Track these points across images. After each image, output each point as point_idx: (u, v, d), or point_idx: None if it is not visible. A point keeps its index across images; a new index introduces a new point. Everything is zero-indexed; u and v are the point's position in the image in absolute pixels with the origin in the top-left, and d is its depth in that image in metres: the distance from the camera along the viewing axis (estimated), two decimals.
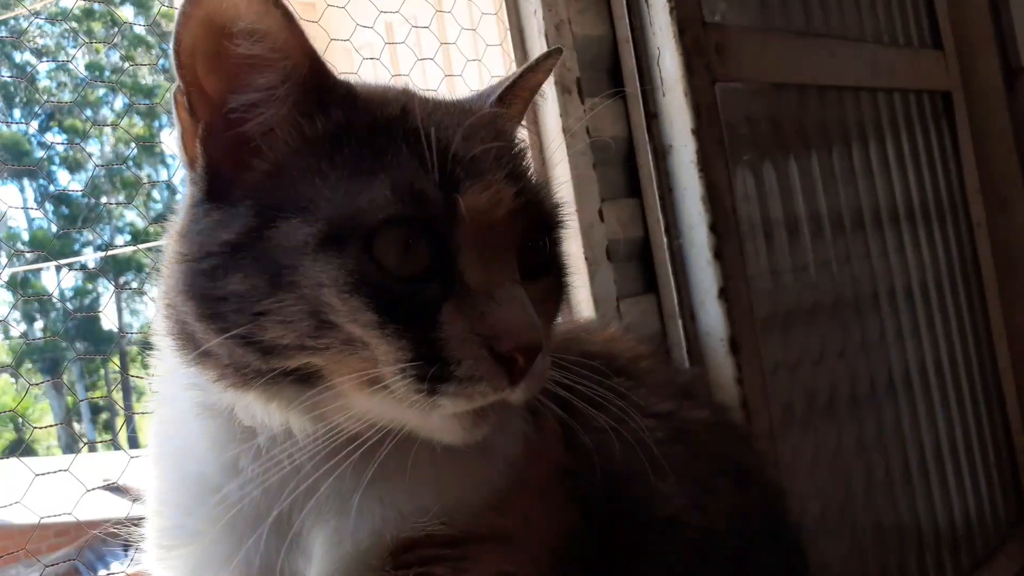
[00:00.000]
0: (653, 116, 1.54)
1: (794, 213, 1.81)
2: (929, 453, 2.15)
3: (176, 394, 0.86)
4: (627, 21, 1.55)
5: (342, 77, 0.83)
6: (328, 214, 0.73)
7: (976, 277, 2.43)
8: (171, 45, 0.73)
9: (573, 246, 1.60)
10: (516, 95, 0.96)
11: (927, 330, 2.21)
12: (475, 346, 0.73)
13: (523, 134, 0.99)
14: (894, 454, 2.02)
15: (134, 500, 1.00)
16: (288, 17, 0.75)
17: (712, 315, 1.49)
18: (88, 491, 1.26)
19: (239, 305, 0.73)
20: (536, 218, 0.82)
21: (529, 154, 0.93)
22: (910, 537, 2.03)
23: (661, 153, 1.54)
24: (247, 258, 0.73)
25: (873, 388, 1.98)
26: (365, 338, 0.73)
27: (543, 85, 1.02)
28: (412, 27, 1.91)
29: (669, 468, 0.99)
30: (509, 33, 1.65)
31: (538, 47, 1.62)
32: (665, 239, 1.53)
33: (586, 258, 1.59)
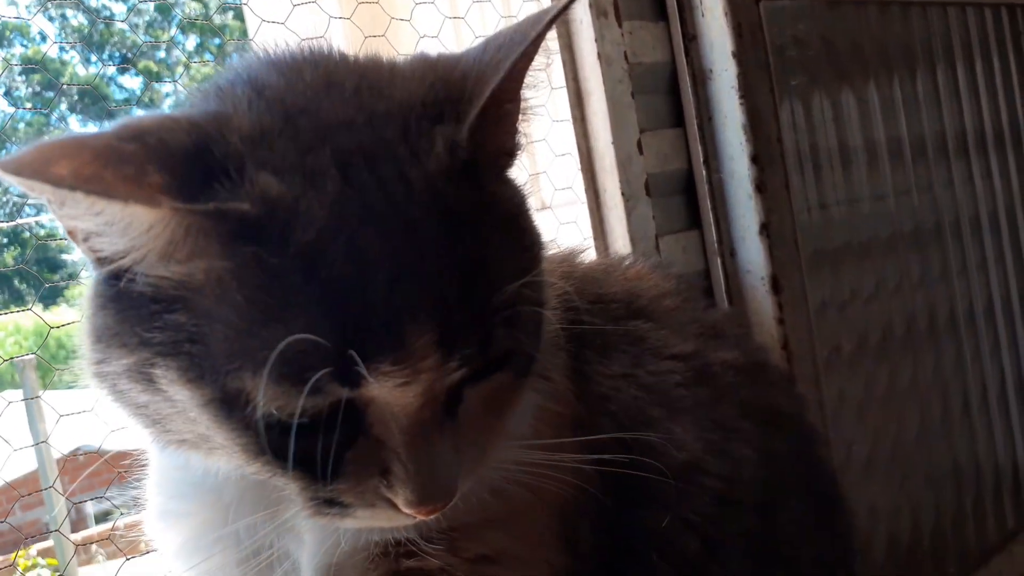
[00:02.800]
0: (692, 39, 1.44)
1: (848, 142, 1.69)
2: (993, 393, 2.04)
3: None
4: None
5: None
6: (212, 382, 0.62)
7: None
8: None
9: (609, 181, 1.54)
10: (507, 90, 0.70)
11: (995, 264, 2.08)
12: (371, 497, 0.66)
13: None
14: (953, 394, 1.92)
15: None
16: (108, 196, 0.57)
17: (752, 251, 1.41)
18: None
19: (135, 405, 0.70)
20: (496, 346, 0.66)
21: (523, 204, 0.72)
22: (968, 482, 1.95)
23: (700, 79, 1.45)
24: None
25: (932, 326, 1.87)
26: (251, 466, 0.67)
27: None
28: (473, 1, 1.83)
29: (688, 412, 0.94)
30: None
31: None
32: (704, 170, 1.45)
33: (623, 193, 1.52)
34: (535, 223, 0.78)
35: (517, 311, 0.67)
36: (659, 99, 1.58)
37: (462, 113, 0.67)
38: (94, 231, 0.62)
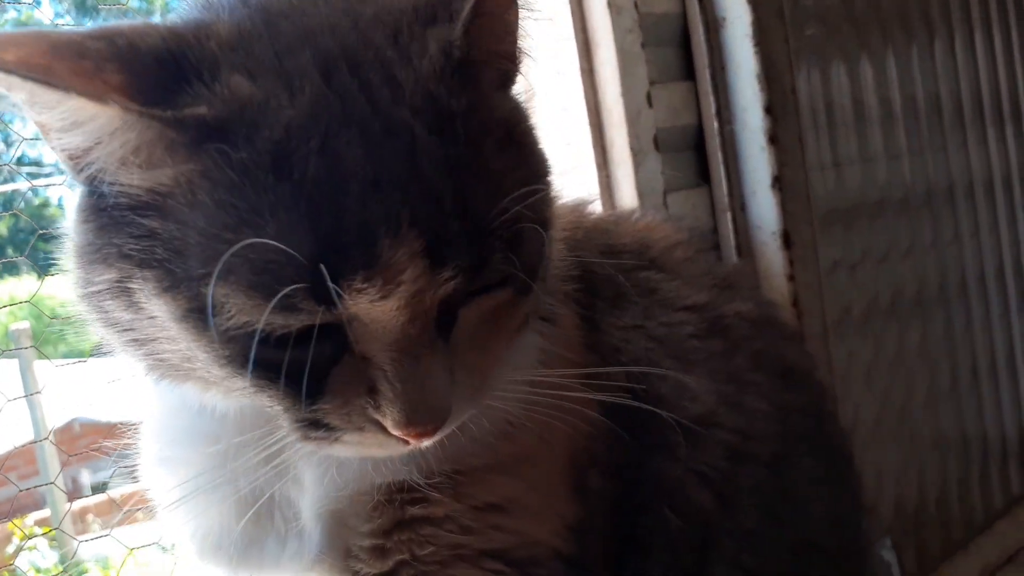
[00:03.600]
0: None
1: (863, 99, 1.65)
2: (1001, 358, 2.02)
3: None
4: None
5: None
6: (174, 280, 0.60)
7: None
8: None
9: (617, 135, 1.50)
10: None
11: (1007, 228, 2.04)
12: (359, 419, 0.63)
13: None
14: (962, 359, 1.89)
15: None
16: (64, 89, 0.55)
17: (764, 206, 1.37)
18: None
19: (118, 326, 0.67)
20: (495, 267, 0.63)
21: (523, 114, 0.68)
22: (975, 448, 1.93)
23: (713, 27, 1.40)
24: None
25: (943, 289, 1.84)
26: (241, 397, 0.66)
27: None
28: None
29: (700, 363, 0.91)
30: None
31: None
32: (716, 123, 1.40)
33: (631, 147, 1.48)
34: (538, 140, 0.74)
35: (519, 228, 0.63)
36: (669, 51, 1.54)
37: (455, 12, 0.64)
38: (54, 127, 0.59)
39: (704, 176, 1.54)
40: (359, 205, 0.57)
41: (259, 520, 0.78)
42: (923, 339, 1.77)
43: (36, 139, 1.23)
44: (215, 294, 0.57)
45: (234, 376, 0.62)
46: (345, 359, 0.62)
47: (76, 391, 1.12)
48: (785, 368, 1.03)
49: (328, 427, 0.64)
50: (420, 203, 0.59)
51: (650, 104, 1.49)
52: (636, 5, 1.48)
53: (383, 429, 0.63)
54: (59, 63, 0.55)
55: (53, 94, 0.56)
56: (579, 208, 1.00)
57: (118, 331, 0.67)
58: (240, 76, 0.59)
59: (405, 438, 0.64)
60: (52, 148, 0.62)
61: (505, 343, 0.71)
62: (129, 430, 0.87)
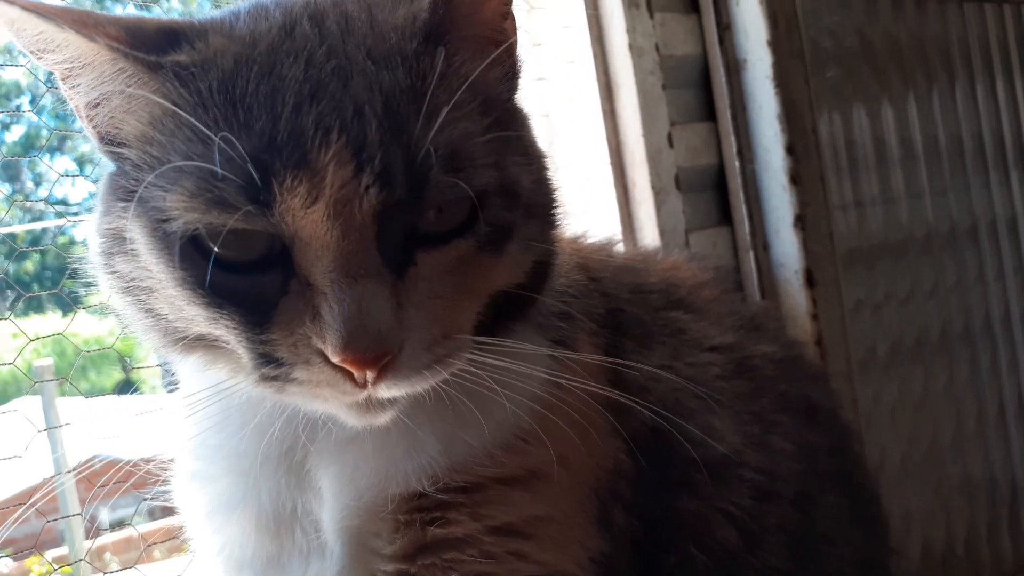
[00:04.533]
0: (726, 28, 1.42)
1: (884, 139, 1.66)
2: None
3: None
4: None
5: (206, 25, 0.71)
6: (148, 205, 0.67)
7: None
8: None
9: (639, 175, 1.51)
10: None
11: None
12: (305, 350, 0.64)
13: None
14: (989, 401, 1.87)
15: None
16: (58, 24, 0.66)
17: (787, 245, 1.38)
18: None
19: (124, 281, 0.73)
20: (436, 188, 0.65)
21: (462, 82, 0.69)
22: (1003, 491, 1.89)
23: (734, 69, 1.42)
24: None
25: (967, 330, 1.83)
26: (205, 328, 0.68)
27: None
28: None
29: (727, 404, 0.91)
30: None
31: None
32: (738, 163, 1.42)
33: (652, 187, 1.49)
34: (527, 129, 0.79)
35: (469, 164, 0.67)
36: (690, 92, 1.56)
37: None
38: (62, 72, 0.69)
39: (725, 215, 1.55)
40: (294, 114, 0.63)
41: (281, 537, 0.79)
42: (949, 380, 1.76)
43: (67, 175, 1.26)
44: (167, 202, 0.64)
45: (192, 302, 0.66)
46: (292, 288, 0.64)
47: (98, 428, 1.14)
48: (810, 408, 1.03)
49: (279, 362, 0.65)
50: (353, 118, 0.63)
51: (671, 144, 1.51)
52: (657, 47, 1.50)
53: (328, 361, 0.64)
54: (67, 15, 0.66)
55: (55, 31, 0.66)
56: (607, 247, 1.01)
57: (126, 290, 0.72)
58: (220, 36, 0.68)
59: (346, 366, 0.63)
60: (70, 102, 0.71)
61: (474, 305, 0.71)
62: (150, 466, 0.89)
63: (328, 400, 0.68)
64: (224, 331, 0.67)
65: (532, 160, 0.77)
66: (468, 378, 0.71)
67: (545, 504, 0.78)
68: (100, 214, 0.73)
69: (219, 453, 0.81)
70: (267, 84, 0.64)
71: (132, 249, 0.69)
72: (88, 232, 0.77)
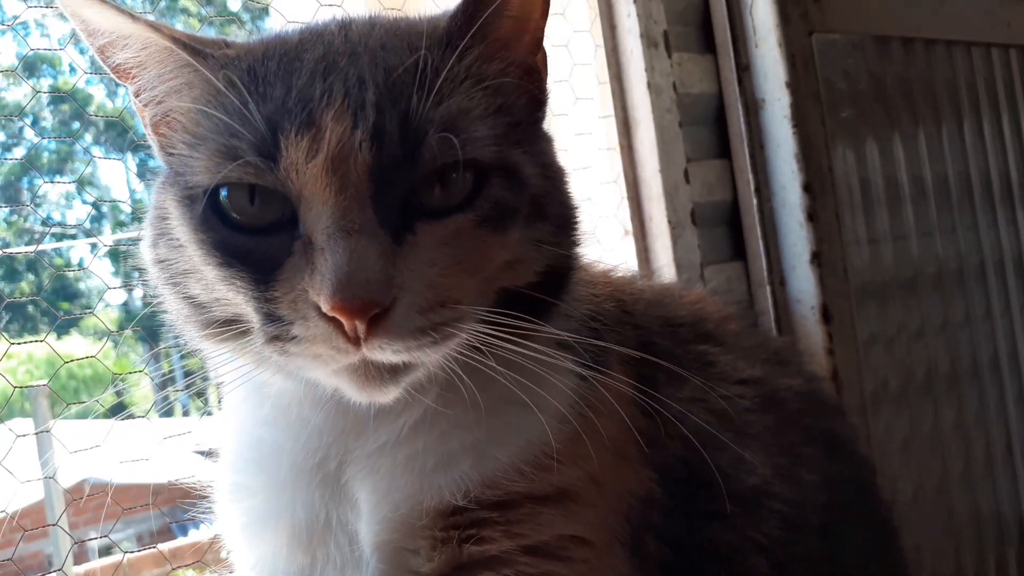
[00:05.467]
0: (745, 69, 1.45)
1: (896, 177, 1.69)
2: None
3: None
4: None
5: (243, 39, 0.82)
6: (183, 180, 0.75)
7: None
8: None
9: (656, 209, 1.54)
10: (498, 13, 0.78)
11: None
12: (303, 306, 0.68)
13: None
14: (996, 437, 1.89)
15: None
16: (132, 18, 0.76)
17: (803, 281, 1.41)
18: (194, 454, 1.30)
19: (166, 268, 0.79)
20: (429, 150, 0.71)
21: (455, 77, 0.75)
22: (1011, 525, 1.91)
23: (753, 108, 1.46)
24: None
25: (976, 366, 1.85)
26: (223, 293, 0.73)
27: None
28: None
29: (756, 436, 0.93)
30: None
31: (624, 2, 1.55)
32: (755, 200, 1.45)
33: (669, 221, 1.52)
34: (545, 134, 0.85)
35: (466, 134, 0.72)
36: (705, 130, 1.59)
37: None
38: (131, 61, 0.78)
39: (737, 250, 1.58)
40: (307, 85, 0.71)
41: (314, 549, 0.81)
42: (958, 415, 1.78)
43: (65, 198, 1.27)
44: (194, 169, 0.73)
45: (209, 263, 0.73)
46: (296, 248, 0.69)
47: (90, 451, 1.15)
48: (833, 442, 1.05)
49: (281, 320, 0.69)
50: (355, 85, 0.71)
51: (687, 180, 1.54)
52: (675, 86, 1.54)
53: (323, 316, 0.67)
54: (138, 17, 0.76)
55: (127, 23, 0.76)
56: (636, 280, 1.03)
57: (169, 279, 0.78)
58: (256, 40, 0.79)
59: (335, 314, 0.66)
60: (140, 117, 0.81)
61: (474, 281, 0.74)
62: (144, 491, 0.93)
63: (326, 362, 0.70)
64: (235, 292, 0.72)
65: (547, 168, 0.81)
66: (491, 380, 0.74)
67: (578, 525, 0.79)
68: (151, 209, 0.81)
69: (257, 467, 0.84)
70: (288, 66, 0.73)
71: (169, 229, 0.77)
72: (142, 235, 0.84)
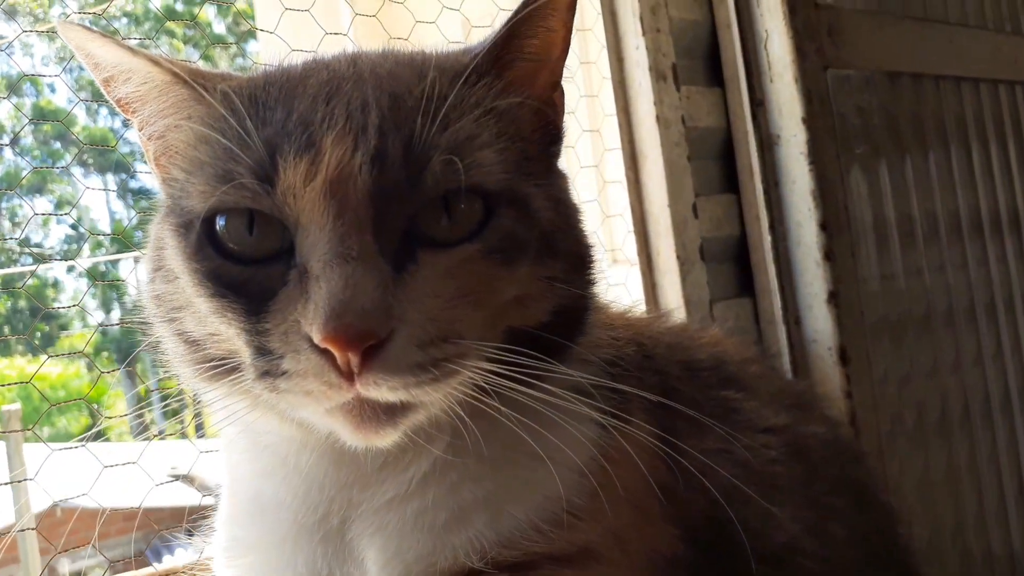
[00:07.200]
0: (759, 104, 1.43)
1: (908, 213, 1.67)
2: None
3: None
4: (731, 2, 1.44)
5: (243, 73, 0.80)
6: (179, 208, 0.73)
7: None
8: None
9: (664, 244, 1.51)
10: (518, 50, 0.76)
11: None
12: (295, 337, 0.64)
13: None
14: (1009, 477, 1.85)
15: (202, 491, 1.00)
16: (132, 52, 0.75)
17: (820, 321, 1.37)
18: (158, 484, 1.26)
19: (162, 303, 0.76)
20: (433, 175, 0.67)
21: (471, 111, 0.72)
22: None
23: (767, 144, 1.43)
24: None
25: (988, 404, 1.82)
26: (215, 327, 0.70)
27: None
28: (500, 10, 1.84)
29: (784, 489, 0.89)
30: (601, 17, 1.56)
31: (632, 31, 1.53)
32: (769, 237, 1.42)
33: (678, 256, 1.49)
34: (559, 171, 0.82)
35: (472, 161, 0.69)
36: (712, 164, 1.57)
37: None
38: (134, 95, 0.76)
39: (744, 287, 1.55)
40: (309, 109, 0.69)
41: None
42: (970, 455, 1.74)
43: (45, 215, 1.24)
44: (190, 195, 0.70)
45: (201, 295, 0.70)
46: (291, 278, 0.66)
47: (60, 474, 1.11)
48: (858, 490, 1.01)
49: (272, 354, 0.65)
50: (359, 109, 0.68)
51: (696, 215, 1.51)
52: (683, 119, 1.51)
53: (315, 348, 0.63)
54: (138, 51, 0.75)
55: (128, 56, 0.74)
56: (655, 322, 1.00)
57: (165, 315, 0.75)
58: (260, 72, 0.77)
59: (327, 345, 0.62)
60: (145, 152, 0.80)
61: (479, 315, 0.69)
62: (117, 516, 0.90)
63: (318, 399, 0.66)
64: (227, 325, 0.68)
65: (560, 204, 0.78)
66: (503, 428, 0.69)
67: None
68: (149, 243, 0.78)
69: (255, 521, 0.79)
70: (291, 91, 0.71)
71: (165, 261, 0.74)
72: (140, 270, 0.84)
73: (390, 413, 0.66)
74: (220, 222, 0.68)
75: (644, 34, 1.48)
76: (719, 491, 0.81)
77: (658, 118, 1.48)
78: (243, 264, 0.68)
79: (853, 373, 1.36)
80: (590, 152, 1.73)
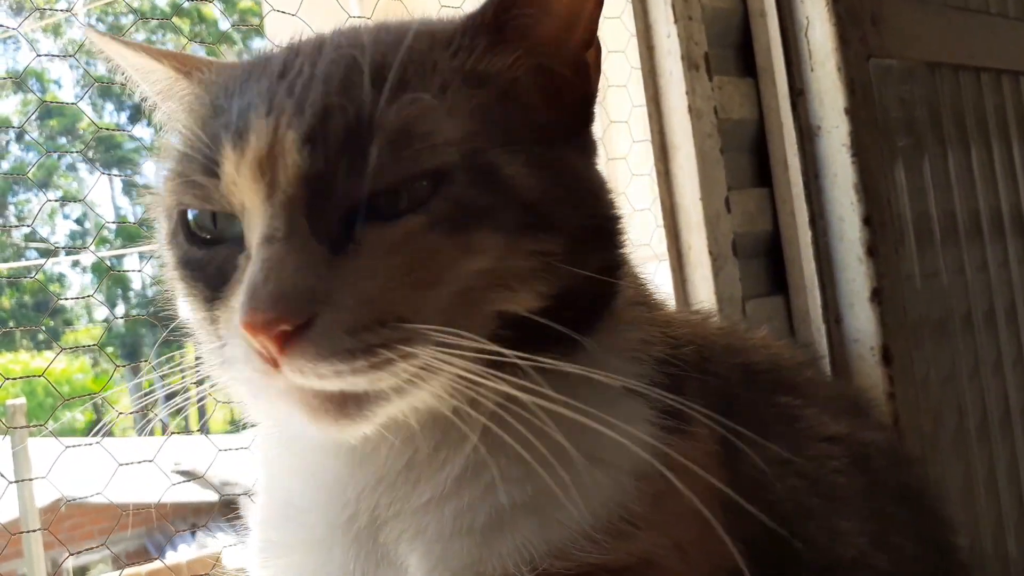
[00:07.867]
0: (799, 93, 1.37)
1: (951, 209, 1.61)
2: None
3: None
4: None
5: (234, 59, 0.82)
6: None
7: None
8: None
9: (695, 238, 1.46)
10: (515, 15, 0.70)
11: None
12: (234, 323, 0.62)
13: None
14: None
15: (208, 488, 0.99)
16: (137, 49, 0.78)
17: (862, 320, 1.31)
18: (174, 484, 1.23)
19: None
20: (374, 159, 0.62)
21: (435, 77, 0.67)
22: None
23: (807, 135, 1.37)
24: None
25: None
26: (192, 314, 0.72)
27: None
28: None
29: (848, 501, 0.84)
30: (630, 4, 1.51)
31: (663, 19, 1.47)
32: (809, 232, 1.36)
33: (710, 252, 1.44)
34: (580, 145, 0.75)
35: (423, 142, 0.63)
36: (744, 157, 1.51)
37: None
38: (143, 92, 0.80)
39: (777, 284, 1.50)
40: (256, 94, 0.67)
41: None
42: (1011, 458, 1.69)
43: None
44: (166, 185, 0.72)
45: (175, 278, 0.72)
46: (240, 262, 0.65)
47: (65, 469, 1.09)
48: (918, 500, 0.96)
49: (221, 340, 0.65)
50: (302, 89, 0.65)
51: (728, 209, 1.46)
52: (716, 110, 1.46)
53: (245, 345, 0.61)
54: (150, 49, 0.79)
55: (129, 53, 0.78)
56: (707, 320, 0.94)
57: (175, 289, 0.75)
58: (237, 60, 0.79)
59: (243, 330, 0.59)
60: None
61: (433, 296, 0.63)
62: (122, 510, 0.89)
63: (257, 388, 0.64)
64: (195, 310, 0.70)
65: (562, 175, 0.70)
66: (544, 428, 0.64)
67: None
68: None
69: (289, 522, 0.76)
70: (257, 79, 0.69)
71: (161, 250, 0.76)
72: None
73: (340, 403, 0.63)
74: (191, 214, 0.69)
75: (676, 22, 1.43)
76: (784, 504, 0.76)
77: (690, 109, 1.43)
78: (205, 247, 0.69)
79: (896, 374, 1.31)
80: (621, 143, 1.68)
